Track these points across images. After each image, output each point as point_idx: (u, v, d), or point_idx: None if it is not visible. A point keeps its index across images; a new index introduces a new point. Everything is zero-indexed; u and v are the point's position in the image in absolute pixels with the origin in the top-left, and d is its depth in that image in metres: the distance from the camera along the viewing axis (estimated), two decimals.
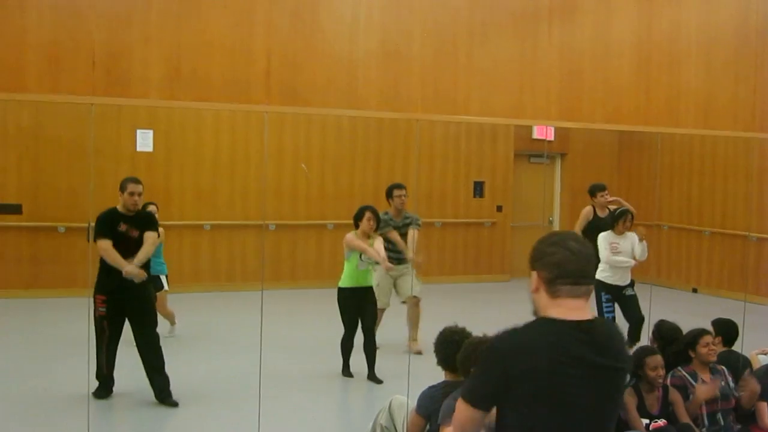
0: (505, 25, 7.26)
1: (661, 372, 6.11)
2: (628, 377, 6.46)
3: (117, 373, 7.92)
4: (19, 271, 12.80)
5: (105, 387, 7.87)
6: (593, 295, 10.25)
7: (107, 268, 7.67)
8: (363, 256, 8.63)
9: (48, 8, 6.01)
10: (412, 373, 6.58)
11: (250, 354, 7.49)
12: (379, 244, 8.84)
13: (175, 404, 7.75)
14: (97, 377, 7.80)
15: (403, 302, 9.88)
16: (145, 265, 7.81)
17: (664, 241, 15.45)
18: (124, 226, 7.69)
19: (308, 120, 14.08)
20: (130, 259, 7.62)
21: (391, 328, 9.55)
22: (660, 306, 8.63)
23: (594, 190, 11.11)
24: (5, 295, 12.33)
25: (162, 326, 9.26)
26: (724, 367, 6.64)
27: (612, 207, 10.84)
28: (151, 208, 9.68)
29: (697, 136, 13.37)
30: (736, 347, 7.20)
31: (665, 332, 6.94)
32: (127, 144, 13.10)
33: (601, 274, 9.60)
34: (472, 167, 15.78)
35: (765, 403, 6.49)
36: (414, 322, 9.86)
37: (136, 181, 7.82)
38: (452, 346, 5.30)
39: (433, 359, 5.55)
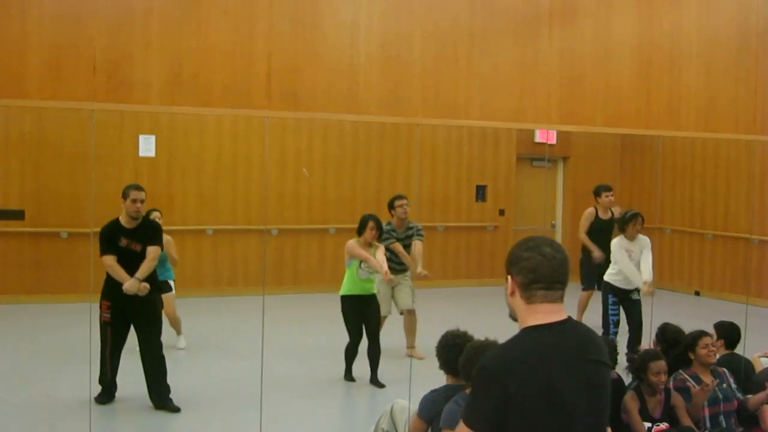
0: (506, 29, 7.26)
1: (664, 377, 6.10)
2: (630, 379, 6.49)
3: (119, 379, 7.92)
4: (22, 276, 12.81)
5: (107, 392, 7.85)
6: (597, 296, 10.35)
7: (111, 277, 7.65)
8: (363, 265, 8.63)
9: (49, 14, 6.02)
10: (413, 377, 6.59)
11: (252, 359, 7.49)
12: (380, 253, 8.81)
13: (176, 409, 7.73)
14: (100, 382, 7.79)
15: (401, 313, 9.86)
16: (150, 277, 7.77)
17: (666, 244, 15.44)
18: (125, 241, 7.66)
19: (310, 125, 14.09)
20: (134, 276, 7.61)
21: (392, 332, 9.54)
22: (662, 309, 8.64)
23: (599, 190, 11.11)
24: (8, 300, 12.34)
25: (169, 336, 9.31)
26: (725, 369, 6.64)
27: (616, 210, 10.84)
28: (155, 214, 9.68)
29: (698, 139, 13.35)
30: (739, 350, 7.19)
31: (669, 335, 6.92)
32: (129, 149, 13.11)
33: (611, 276, 9.60)
34: (474, 171, 15.77)
35: None
36: (410, 330, 9.86)
37: (139, 188, 7.78)
38: (454, 350, 5.29)
39: (435, 363, 5.55)
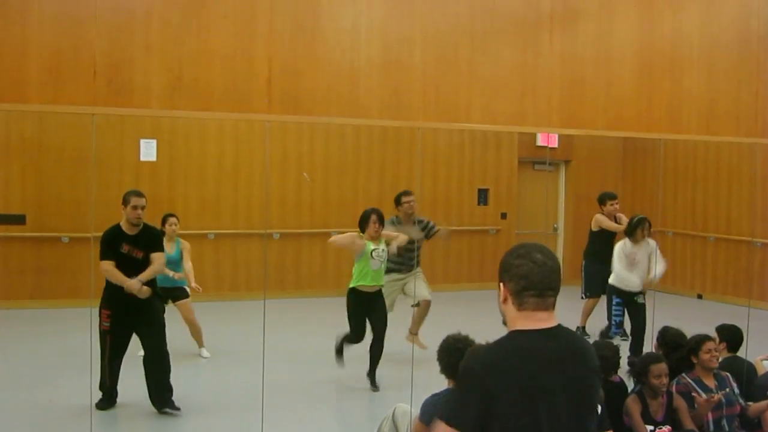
0: (507, 33, 7.26)
1: (665, 380, 6.08)
2: (633, 383, 6.47)
3: (121, 384, 7.89)
4: (23, 281, 12.80)
5: (108, 398, 7.82)
6: (602, 302, 10.34)
7: (113, 284, 7.60)
8: (374, 253, 8.57)
9: (49, 19, 6.02)
10: (415, 381, 6.57)
11: (254, 363, 7.48)
12: (388, 238, 8.83)
13: (177, 408, 7.73)
14: (101, 388, 7.76)
15: (414, 305, 9.79)
16: (150, 283, 7.75)
17: (668, 247, 15.39)
18: (127, 247, 7.60)
19: (311, 128, 14.08)
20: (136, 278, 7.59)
21: (394, 336, 9.52)
22: (665, 312, 8.62)
23: (604, 199, 11.04)
24: (9, 305, 12.33)
25: (188, 346, 9.33)
26: (728, 374, 6.62)
27: (621, 219, 10.82)
28: (172, 220, 9.69)
29: (700, 142, 13.34)
30: (741, 353, 7.17)
31: (670, 338, 6.91)
32: (130, 153, 13.10)
33: (615, 279, 9.59)
34: (476, 175, 15.76)
35: None
36: (419, 319, 9.79)
37: (139, 194, 7.73)
38: (456, 354, 5.27)
39: (437, 367, 5.53)
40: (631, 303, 9.61)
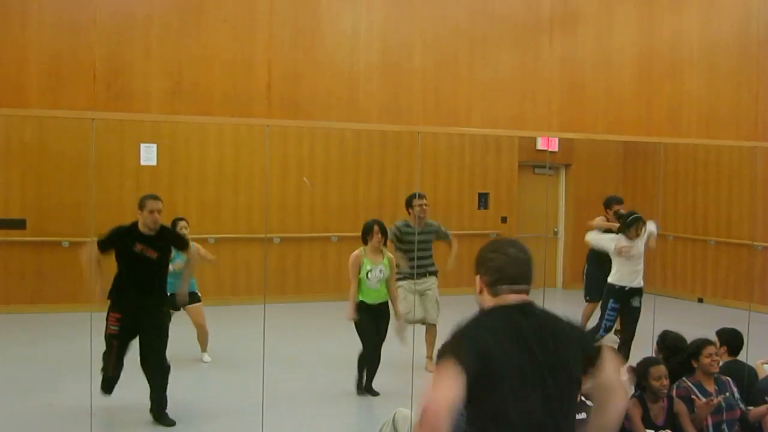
0: (506, 37, 7.26)
1: (665, 382, 6.08)
2: (633, 390, 6.46)
3: (122, 389, 7.85)
4: (24, 286, 12.80)
5: (110, 380, 7.69)
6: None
7: (121, 287, 7.48)
8: (369, 274, 8.53)
9: (49, 23, 6.02)
10: (415, 385, 6.57)
11: (254, 367, 7.47)
12: (392, 264, 8.79)
13: (172, 423, 7.64)
14: (103, 384, 7.65)
15: (423, 323, 9.74)
16: (161, 288, 7.67)
17: (669, 251, 15.41)
18: (140, 246, 7.44)
19: (311, 132, 14.08)
20: (145, 289, 7.47)
21: (395, 339, 9.51)
22: (665, 316, 8.60)
23: (610, 202, 10.97)
24: (10, 310, 12.33)
25: (190, 350, 9.32)
26: (728, 378, 6.61)
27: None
28: (182, 224, 9.67)
29: (700, 145, 13.33)
30: (741, 357, 7.17)
31: (669, 342, 6.91)
32: (130, 158, 13.10)
33: (612, 276, 9.60)
34: (477, 178, 15.75)
35: None
36: (430, 343, 9.74)
37: (155, 198, 7.60)
38: None
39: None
40: (626, 306, 9.58)
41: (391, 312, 8.83)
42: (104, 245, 7.46)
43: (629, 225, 9.52)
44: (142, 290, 7.48)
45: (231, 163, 13.90)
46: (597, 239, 10.01)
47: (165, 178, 13.43)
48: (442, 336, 3.52)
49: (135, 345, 7.70)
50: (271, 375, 7.17)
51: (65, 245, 12.76)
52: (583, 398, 5.74)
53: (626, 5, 7.59)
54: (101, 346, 7.40)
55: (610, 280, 9.66)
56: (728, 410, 6.37)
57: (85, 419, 6.86)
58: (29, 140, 12.82)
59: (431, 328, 9.64)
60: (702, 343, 6.52)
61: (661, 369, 6.09)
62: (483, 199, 15.80)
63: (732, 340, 7.15)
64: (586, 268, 11.42)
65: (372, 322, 8.57)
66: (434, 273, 9.79)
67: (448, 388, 3.08)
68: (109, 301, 7.55)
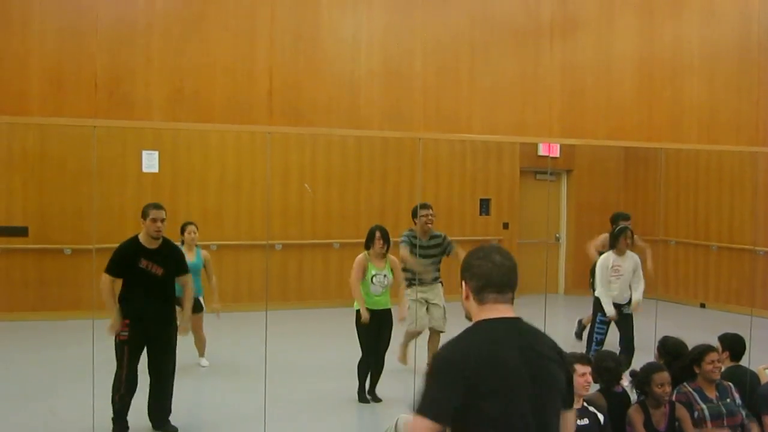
0: (507, 43, 7.27)
1: (668, 389, 6.08)
2: (635, 395, 6.46)
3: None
4: (26, 293, 12.79)
5: (121, 423, 7.47)
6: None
7: (128, 296, 7.37)
8: (374, 279, 8.53)
9: (50, 32, 6.04)
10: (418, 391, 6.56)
11: (256, 374, 7.47)
12: (396, 268, 8.79)
13: (174, 430, 7.60)
14: (113, 401, 7.42)
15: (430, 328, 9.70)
16: (170, 296, 7.60)
17: (671, 256, 15.40)
18: (145, 263, 7.32)
19: (313, 139, 14.09)
20: (153, 299, 7.37)
21: (396, 344, 9.51)
22: (667, 321, 8.61)
23: (617, 219, 10.89)
24: (12, 317, 12.33)
25: (189, 356, 9.31)
26: (730, 384, 6.60)
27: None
28: (191, 228, 9.67)
29: (701, 151, 13.33)
30: (744, 362, 7.16)
31: (670, 348, 6.91)
32: (132, 165, 13.10)
33: (599, 292, 9.57)
34: (478, 185, 15.75)
35: None
36: (433, 350, 9.72)
37: (158, 207, 7.50)
38: None
39: None
40: (618, 315, 9.58)
41: (395, 319, 8.84)
42: (114, 271, 7.36)
43: (616, 236, 9.52)
44: (150, 299, 7.37)
45: (233, 170, 13.90)
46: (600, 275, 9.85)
47: (167, 186, 13.43)
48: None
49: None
50: (274, 382, 7.16)
51: (67, 252, 12.77)
52: (585, 404, 5.74)
53: (626, 11, 7.60)
54: (103, 353, 7.33)
55: (597, 294, 9.65)
56: (729, 416, 6.37)
57: (87, 426, 6.86)
58: (31, 148, 12.83)
59: (435, 335, 9.63)
60: (704, 350, 6.51)
61: (665, 376, 6.08)
62: (485, 206, 15.80)
63: (734, 345, 7.13)
64: (591, 281, 11.40)
65: (373, 328, 8.56)
66: (440, 282, 9.76)
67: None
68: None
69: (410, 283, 9.29)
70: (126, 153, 13.03)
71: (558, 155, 15.90)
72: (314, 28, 6.65)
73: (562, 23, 7.35)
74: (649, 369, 6.26)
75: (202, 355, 9.98)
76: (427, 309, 9.54)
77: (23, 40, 5.97)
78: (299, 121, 6.59)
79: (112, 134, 12.41)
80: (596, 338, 9.56)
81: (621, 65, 7.53)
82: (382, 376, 8.82)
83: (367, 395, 8.75)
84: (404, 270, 9.13)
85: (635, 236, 10.04)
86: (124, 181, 12.95)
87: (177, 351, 7.73)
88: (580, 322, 11.47)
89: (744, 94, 7.86)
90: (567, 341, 10.87)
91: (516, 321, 3.36)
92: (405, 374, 8.99)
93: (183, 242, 9.49)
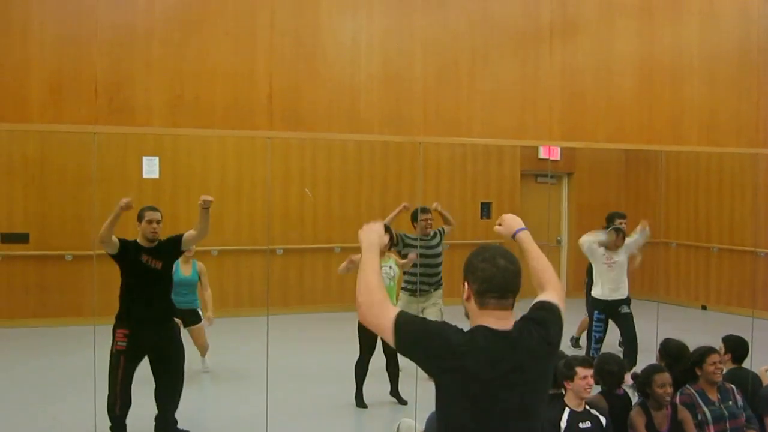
0: (507, 46, 7.27)
1: (669, 390, 6.07)
2: (637, 398, 6.45)
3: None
4: (27, 299, 12.79)
5: (119, 427, 7.43)
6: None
7: (129, 301, 7.35)
8: (381, 272, 8.48)
9: (50, 38, 6.04)
10: (419, 396, 6.56)
11: (257, 379, 7.47)
12: (397, 259, 8.79)
13: None
14: (110, 414, 7.37)
15: None
16: (168, 300, 7.60)
17: (672, 258, 15.40)
18: (146, 257, 7.35)
19: (313, 144, 14.09)
20: (155, 297, 7.36)
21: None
22: (669, 324, 8.61)
23: (613, 217, 10.90)
24: (13, 324, 12.33)
25: (193, 361, 9.33)
26: (732, 386, 6.60)
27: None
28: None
29: (702, 153, 13.34)
30: (745, 364, 7.16)
31: (672, 350, 6.90)
32: (133, 171, 13.09)
33: (594, 290, 9.60)
34: (479, 188, 15.76)
35: None
36: None
37: (154, 209, 7.52)
38: None
39: None
40: (615, 315, 9.59)
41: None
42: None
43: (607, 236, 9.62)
44: (150, 303, 7.34)
45: (233, 175, 13.91)
46: (588, 242, 9.87)
47: (167, 191, 13.43)
48: None
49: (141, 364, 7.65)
50: (275, 387, 7.16)
51: (68, 259, 12.78)
52: (587, 406, 5.74)
53: (626, 14, 7.59)
54: (105, 360, 7.34)
55: (593, 293, 9.68)
56: (731, 419, 6.36)
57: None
58: (32, 154, 12.84)
59: None
60: (706, 351, 6.51)
61: (666, 377, 6.08)
62: (485, 209, 15.79)
63: (738, 348, 7.13)
64: (587, 281, 11.39)
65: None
66: (440, 286, 9.76)
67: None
68: (115, 321, 7.43)
69: (408, 288, 9.31)
70: (126, 159, 13.03)
71: (558, 158, 15.87)
72: (314, 33, 6.65)
73: (562, 26, 7.35)
74: (650, 370, 6.26)
75: (203, 355, 9.95)
76: (422, 311, 9.53)
77: (23, 47, 5.96)
78: (299, 126, 6.59)
79: (113, 140, 12.42)
80: (595, 336, 9.57)
81: (621, 67, 7.53)
82: (382, 379, 8.80)
83: (390, 394, 8.77)
84: (405, 273, 9.15)
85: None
86: (125, 187, 12.91)
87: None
88: (572, 338, 11.36)
89: (744, 96, 7.86)
90: (565, 343, 10.89)
91: (511, 333, 3.36)
92: (406, 378, 8.98)
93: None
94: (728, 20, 7.96)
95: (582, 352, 9.82)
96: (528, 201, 16.16)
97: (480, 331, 3.33)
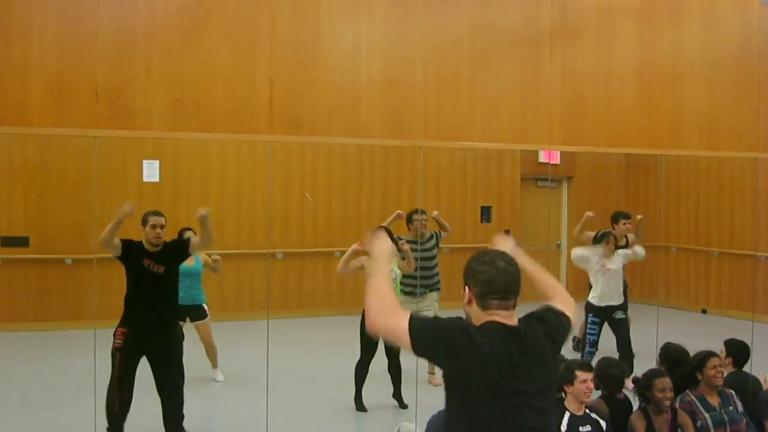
0: (507, 51, 7.28)
1: (669, 394, 6.07)
2: (637, 403, 6.45)
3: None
4: (27, 303, 12.77)
5: (116, 428, 7.40)
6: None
7: (131, 302, 7.34)
8: None
9: (51, 42, 6.05)
10: (420, 400, 6.56)
11: (258, 383, 7.47)
12: (394, 266, 8.80)
13: None
14: (108, 416, 7.31)
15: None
16: (171, 304, 7.56)
17: (672, 262, 15.40)
18: (148, 261, 7.32)
19: (313, 148, 14.10)
20: (157, 301, 7.32)
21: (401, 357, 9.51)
22: (669, 328, 8.60)
23: (617, 217, 10.88)
24: (13, 327, 12.32)
25: (204, 370, 9.32)
26: (732, 391, 6.59)
27: (632, 239, 10.75)
28: (189, 233, 9.67)
29: (702, 157, 13.35)
30: (745, 367, 7.16)
31: (672, 355, 6.90)
32: (133, 175, 13.08)
33: (591, 296, 9.60)
34: (479, 192, 15.76)
35: None
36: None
37: (158, 213, 7.51)
38: None
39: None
40: (611, 321, 9.59)
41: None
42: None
43: (598, 240, 9.61)
44: (152, 306, 7.31)
45: (233, 179, 13.91)
46: (578, 255, 9.86)
47: (168, 195, 13.42)
48: None
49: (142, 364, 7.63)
50: (275, 390, 7.16)
51: (68, 262, 12.77)
52: (587, 410, 5.74)
53: (626, 18, 7.61)
54: (105, 363, 7.33)
55: (589, 299, 9.67)
56: (731, 424, 6.35)
57: None
58: (32, 158, 12.84)
59: None
60: (706, 355, 6.51)
61: (666, 381, 6.08)
62: (486, 213, 15.80)
63: (739, 352, 7.13)
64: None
65: None
66: (436, 289, 9.76)
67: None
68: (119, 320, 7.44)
69: (410, 292, 9.31)
70: (127, 162, 13.03)
71: (559, 162, 15.88)
72: (314, 37, 6.66)
73: (562, 31, 7.36)
74: (650, 374, 6.26)
75: (215, 366, 9.91)
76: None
77: (23, 50, 5.97)
78: (300, 130, 6.59)
79: (113, 144, 12.41)
80: (589, 339, 9.57)
81: (621, 72, 7.54)
82: (382, 382, 8.79)
83: (392, 396, 8.76)
84: (405, 276, 9.15)
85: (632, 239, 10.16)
86: (125, 191, 12.92)
87: (187, 363, 7.67)
88: (574, 339, 11.36)
89: (744, 101, 7.88)
90: (566, 346, 10.87)
91: (518, 329, 3.40)
92: (407, 382, 8.98)
93: None
94: (728, 25, 7.97)
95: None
96: (528, 205, 16.17)
97: (492, 325, 3.36)
